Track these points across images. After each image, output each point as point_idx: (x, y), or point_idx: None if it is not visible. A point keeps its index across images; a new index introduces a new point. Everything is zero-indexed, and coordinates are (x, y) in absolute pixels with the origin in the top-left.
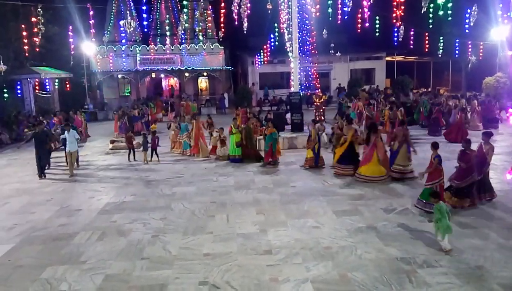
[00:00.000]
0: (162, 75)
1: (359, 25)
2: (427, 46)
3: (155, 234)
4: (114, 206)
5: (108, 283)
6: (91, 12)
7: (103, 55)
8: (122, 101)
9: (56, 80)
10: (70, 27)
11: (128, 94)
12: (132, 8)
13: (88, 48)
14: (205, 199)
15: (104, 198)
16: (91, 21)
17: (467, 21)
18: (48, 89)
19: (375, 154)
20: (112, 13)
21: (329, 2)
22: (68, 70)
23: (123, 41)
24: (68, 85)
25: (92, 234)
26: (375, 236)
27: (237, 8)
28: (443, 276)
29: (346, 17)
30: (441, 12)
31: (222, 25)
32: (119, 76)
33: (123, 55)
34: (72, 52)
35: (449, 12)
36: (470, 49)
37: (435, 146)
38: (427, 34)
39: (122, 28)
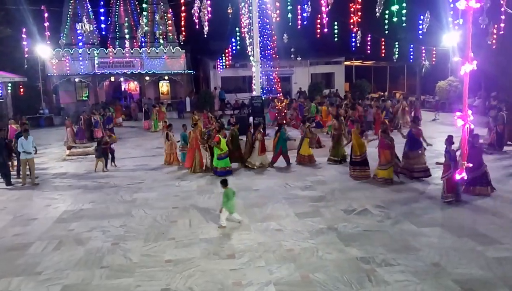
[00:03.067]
0: (122, 79)
1: (319, 31)
2: (383, 51)
3: (115, 241)
4: (72, 214)
5: None
6: (46, 14)
7: (59, 59)
8: (80, 105)
9: (9, 84)
10: (24, 30)
11: (86, 98)
12: (90, 10)
13: (43, 51)
14: (167, 204)
15: (61, 206)
16: (46, 24)
17: (420, 27)
18: (0, 94)
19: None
20: (68, 15)
21: (289, 7)
22: (22, 74)
23: (80, 44)
24: (22, 90)
25: (48, 243)
26: (336, 236)
27: (198, 11)
28: (401, 274)
29: (305, 22)
30: (395, 19)
31: (183, 28)
32: (77, 80)
33: (81, 58)
34: (26, 55)
35: (403, 18)
36: (424, 54)
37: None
38: (383, 39)
39: (79, 31)
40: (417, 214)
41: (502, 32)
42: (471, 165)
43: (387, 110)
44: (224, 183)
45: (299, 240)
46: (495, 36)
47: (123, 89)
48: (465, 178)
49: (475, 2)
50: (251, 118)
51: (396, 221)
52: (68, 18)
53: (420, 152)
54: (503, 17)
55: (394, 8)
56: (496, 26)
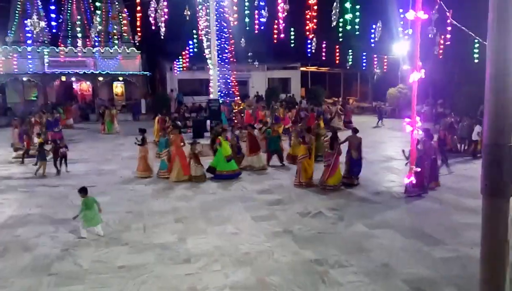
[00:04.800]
0: (73, 79)
1: (275, 36)
2: (337, 58)
3: (65, 248)
4: (18, 219)
5: None
6: None
7: (6, 56)
8: (28, 105)
9: None
10: None
11: (35, 98)
12: (40, 7)
13: None
14: (120, 208)
15: (6, 211)
16: None
17: (372, 36)
18: None
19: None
20: (17, 12)
21: (246, 12)
22: None
23: (29, 42)
24: None
25: None
26: (291, 239)
27: (154, 12)
28: (353, 275)
29: (263, 27)
30: (349, 27)
31: (138, 29)
32: (25, 79)
33: (29, 56)
34: None
35: (357, 27)
36: (375, 62)
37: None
38: (337, 47)
39: (28, 28)
40: (369, 216)
41: (448, 42)
42: (419, 169)
43: (323, 114)
44: (84, 191)
45: (255, 243)
46: (442, 46)
47: (75, 89)
48: (414, 182)
49: (423, 13)
50: (208, 122)
51: (349, 223)
52: (17, 14)
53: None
54: (449, 28)
55: (348, 16)
56: (442, 36)
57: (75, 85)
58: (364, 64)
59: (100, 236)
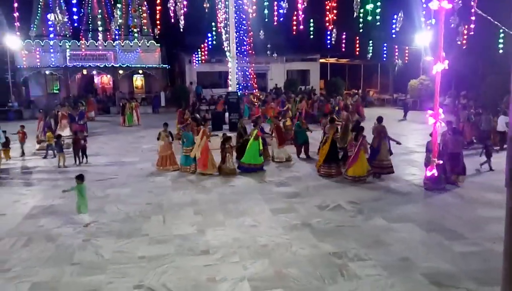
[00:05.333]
0: (94, 72)
1: (295, 27)
2: (358, 49)
3: (87, 238)
4: (42, 209)
5: None
6: (16, 4)
7: (29, 50)
8: (51, 98)
9: None
10: None
11: (57, 91)
12: (61, 1)
13: (13, 42)
14: (141, 200)
15: (30, 202)
16: (16, 14)
17: (394, 26)
18: None
19: (362, 153)
20: (39, 6)
21: (265, 3)
22: None
23: (52, 35)
24: None
25: (17, 240)
26: (310, 232)
27: (173, 5)
28: (372, 268)
29: (282, 19)
30: (370, 17)
31: (158, 22)
32: (47, 72)
33: (52, 50)
34: None
35: (378, 17)
36: (397, 53)
37: None
38: (357, 38)
39: (50, 22)
40: (389, 209)
41: (472, 32)
42: (441, 162)
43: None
44: (81, 178)
45: (273, 235)
46: (465, 36)
47: (95, 82)
48: (436, 175)
49: (447, 2)
50: (226, 114)
51: (368, 216)
52: (39, 9)
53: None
54: (473, 18)
55: (369, 7)
56: (466, 26)
57: (96, 79)
58: (385, 55)
59: (84, 225)
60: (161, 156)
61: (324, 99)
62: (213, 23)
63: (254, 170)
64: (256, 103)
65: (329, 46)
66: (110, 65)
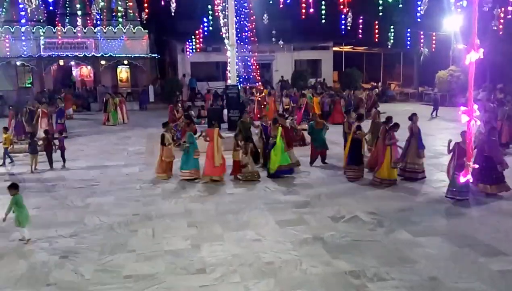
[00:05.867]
0: (72, 63)
1: (304, 11)
2: (377, 36)
3: (64, 254)
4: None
5: None
6: None
7: None
8: (22, 94)
9: None
10: None
11: (30, 85)
12: None
13: None
14: (126, 210)
15: None
16: None
17: (418, 9)
18: None
19: (388, 152)
20: None
21: None
22: None
23: (23, 21)
24: None
25: None
26: (322, 247)
27: None
28: (395, 289)
29: (288, 1)
30: None
31: (145, 5)
32: (18, 63)
33: (23, 38)
34: None
35: None
36: (422, 40)
37: None
38: (376, 23)
39: (21, 6)
40: (414, 221)
41: (510, 16)
42: (477, 166)
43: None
44: (14, 188)
45: (280, 251)
46: (502, 20)
47: (74, 75)
48: (471, 181)
49: None
50: (225, 111)
51: (390, 229)
52: None
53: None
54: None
55: None
56: (503, 9)
57: (74, 70)
58: (408, 42)
59: (24, 241)
60: (165, 162)
61: (334, 93)
62: (209, 6)
63: (289, 172)
64: (257, 99)
65: (343, 32)
66: (90, 55)
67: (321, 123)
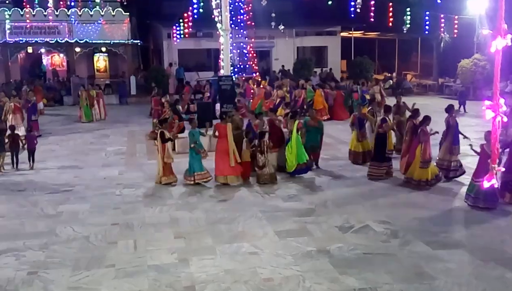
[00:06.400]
0: (43, 50)
1: None
2: (391, 19)
3: (33, 270)
4: None
5: None
6: None
7: None
8: None
9: None
10: None
11: None
12: None
13: None
14: (104, 219)
15: None
16: None
17: None
18: None
19: (419, 149)
20: None
21: None
22: None
23: None
24: None
25: None
26: (328, 262)
27: None
28: None
29: None
30: None
31: None
32: None
33: None
34: None
35: None
36: (442, 25)
37: None
38: (391, 4)
39: None
40: (432, 232)
41: None
42: (503, 169)
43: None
44: None
45: (280, 266)
46: None
47: (44, 63)
48: (496, 185)
49: None
50: (218, 106)
51: (405, 241)
52: None
53: None
54: None
55: None
56: None
57: (44, 59)
58: (427, 27)
59: None
60: (165, 164)
61: (335, 85)
62: None
63: (306, 171)
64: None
65: (353, 15)
66: (63, 41)
67: (316, 120)
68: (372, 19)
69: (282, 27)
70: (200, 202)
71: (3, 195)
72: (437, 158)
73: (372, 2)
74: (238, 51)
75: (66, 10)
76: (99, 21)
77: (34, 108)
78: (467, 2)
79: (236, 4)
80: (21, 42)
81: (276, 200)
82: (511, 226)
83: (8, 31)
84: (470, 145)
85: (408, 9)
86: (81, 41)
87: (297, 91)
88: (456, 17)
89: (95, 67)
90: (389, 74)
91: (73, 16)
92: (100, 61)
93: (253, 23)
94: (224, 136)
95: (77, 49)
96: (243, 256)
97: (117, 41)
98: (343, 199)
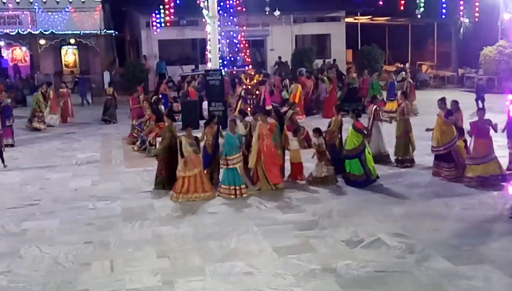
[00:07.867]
0: (2, 43)
1: None
2: (402, 2)
3: None
4: None
5: None
6: None
7: None
8: None
9: None
10: None
11: None
12: None
13: None
14: (76, 237)
15: None
16: None
17: None
18: None
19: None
20: None
21: None
22: None
23: None
24: None
25: None
26: (334, 281)
27: None
28: None
29: None
30: None
31: None
32: None
33: None
34: None
35: None
36: (462, 8)
37: None
38: None
39: None
40: (453, 245)
41: None
42: None
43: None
44: None
45: (280, 287)
46: None
47: (4, 58)
48: None
49: None
50: (205, 104)
51: (423, 256)
52: None
53: None
54: None
55: None
56: None
57: (4, 52)
58: (444, 11)
59: None
60: (183, 178)
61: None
62: None
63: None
64: (247, 87)
65: None
66: (25, 33)
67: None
68: (381, 2)
69: (278, 12)
70: (187, 215)
71: None
72: None
73: None
74: (228, 41)
75: None
76: (66, 9)
77: (9, 111)
78: None
79: None
80: None
81: (274, 212)
82: None
83: None
84: None
85: None
86: (46, 32)
87: (293, 85)
88: None
89: (63, 62)
90: (402, 65)
91: (36, 4)
92: (69, 55)
93: (244, 9)
94: (270, 137)
95: (42, 42)
96: (236, 277)
97: (88, 32)
98: (350, 209)
